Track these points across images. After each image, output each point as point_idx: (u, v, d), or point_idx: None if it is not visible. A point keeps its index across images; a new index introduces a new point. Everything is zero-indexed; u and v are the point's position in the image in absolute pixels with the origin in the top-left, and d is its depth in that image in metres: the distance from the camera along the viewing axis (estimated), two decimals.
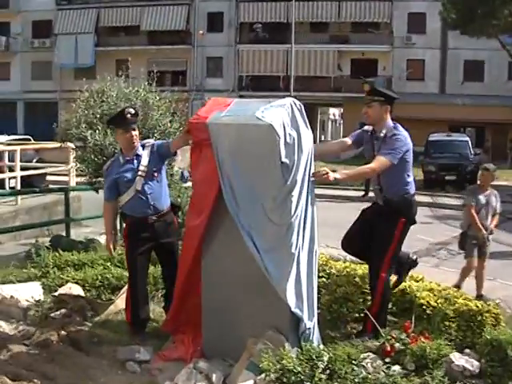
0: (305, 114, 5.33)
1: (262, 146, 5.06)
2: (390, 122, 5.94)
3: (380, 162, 5.68)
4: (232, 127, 5.20)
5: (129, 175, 6.05)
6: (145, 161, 6.05)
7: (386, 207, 5.95)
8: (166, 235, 6.17)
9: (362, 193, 21.54)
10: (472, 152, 26.90)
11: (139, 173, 6.02)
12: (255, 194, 5.12)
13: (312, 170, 5.32)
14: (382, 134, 5.88)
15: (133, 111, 6.10)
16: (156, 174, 6.11)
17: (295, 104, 5.27)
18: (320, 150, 5.69)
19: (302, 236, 5.18)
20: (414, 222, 6.03)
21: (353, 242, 6.15)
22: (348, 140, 6.22)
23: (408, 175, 5.95)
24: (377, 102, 5.88)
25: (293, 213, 5.05)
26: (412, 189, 6.00)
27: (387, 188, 5.92)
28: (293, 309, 5.10)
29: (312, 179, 5.30)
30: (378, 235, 5.96)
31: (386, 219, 5.89)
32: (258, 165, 5.11)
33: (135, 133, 6.10)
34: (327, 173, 5.32)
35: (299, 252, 5.14)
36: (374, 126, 6.00)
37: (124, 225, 6.55)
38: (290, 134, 5.06)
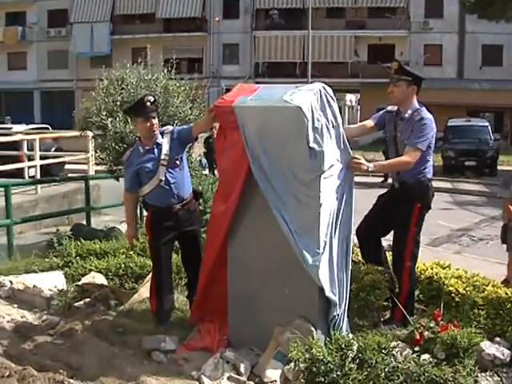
0: (335, 100, 5.25)
1: (289, 129, 4.97)
2: (415, 104, 5.84)
3: (414, 153, 5.61)
4: (259, 110, 5.10)
5: (150, 165, 5.90)
6: (166, 149, 5.89)
7: (401, 190, 5.86)
8: (189, 223, 6.08)
9: (381, 179, 21.37)
10: (492, 137, 26.69)
11: (161, 162, 5.87)
12: (285, 177, 5.05)
13: (345, 158, 5.27)
14: (406, 115, 5.79)
15: (152, 99, 5.94)
16: (178, 162, 5.97)
17: (325, 89, 5.17)
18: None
19: (335, 222, 5.12)
20: (429, 208, 5.93)
21: (367, 231, 6.07)
22: (370, 122, 6.13)
23: (428, 160, 5.85)
24: (404, 81, 5.77)
25: (323, 198, 4.97)
26: (429, 173, 5.89)
27: (405, 170, 5.81)
28: (327, 293, 5.02)
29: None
30: (395, 223, 5.89)
31: (402, 205, 5.81)
32: (285, 148, 5.02)
33: (155, 121, 5.92)
34: (361, 162, 5.31)
35: (331, 238, 5.07)
36: (399, 105, 5.89)
37: (145, 214, 6.43)
38: (318, 119, 4.97)
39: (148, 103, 5.85)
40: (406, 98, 5.81)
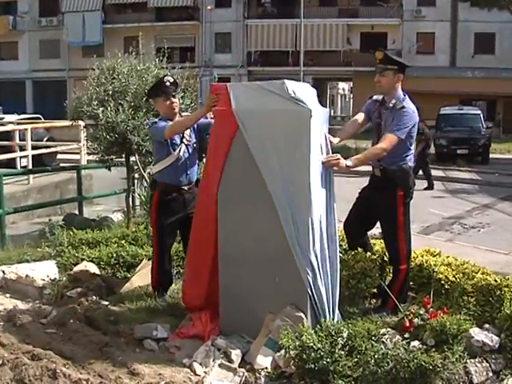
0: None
1: (276, 102, 5.18)
2: (400, 93, 5.86)
3: (389, 139, 5.61)
4: (249, 86, 5.56)
5: (176, 139, 6.15)
6: (187, 130, 6.18)
7: (382, 178, 5.88)
8: (193, 206, 6.14)
9: None
10: (484, 125, 26.75)
11: (184, 140, 6.18)
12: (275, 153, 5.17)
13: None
14: (391, 105, 5.80)
15: (172, 79, 6.27)
16: (195, 146, 6.28)
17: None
18: (342, 136, 5.83)
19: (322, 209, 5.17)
20: (411, 196, 5.95)
21: (354, 225, 6.13)
22: (361, 115, 6.13)
23: (409, 148, 5.88)
24: (390, 70, 5.78)
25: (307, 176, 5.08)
26: (410, 161, 5.93)
27: (386, 156, 5.79)
28: (305, 281, 5.08)
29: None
30: (381, 215, 5.91)
31: (384, 195, 5.83)
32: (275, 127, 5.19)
33: (175, 100, 6.23)
34: (338, 159, 5.29)
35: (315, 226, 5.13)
36: (385, 95, 5.90)
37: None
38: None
39: (167, 83, 6.17)
40: (392, 87, 5.83)
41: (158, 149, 6.34)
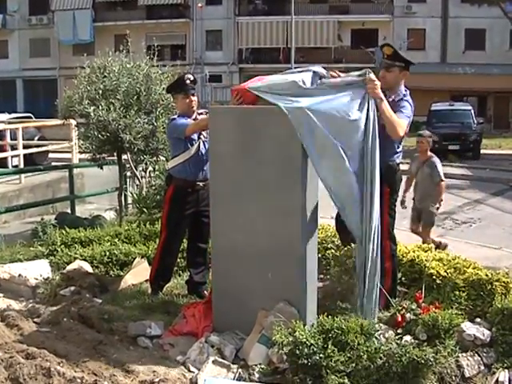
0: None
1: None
2: (402, 89, 5.85)
3: (404, 124, 5.52)
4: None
5: (194, 134, 6.30)
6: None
7: None
8: (206, 203, 6.17)
9: None
10: (475, 121, 26.82)
11: (201, 137, 6.30)
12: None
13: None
14: (390, 99, 5.77)
15: (192, 77, 6.42)
16: None
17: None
18: None
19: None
20: (397, 192, 6.00)
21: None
22: None
23: (399, 145, 5.88)
24: (397, 67, 5.76)
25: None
26: (399, 158, 5.93)
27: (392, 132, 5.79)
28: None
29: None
30: None
31: None
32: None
33: (195, 98, 6.39)
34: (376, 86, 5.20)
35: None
36: (387, 90, 5.85)
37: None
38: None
39: (188, 81, 6.34)
40: (397, 84, 5.81)
41: (174, 144, 6.44)
